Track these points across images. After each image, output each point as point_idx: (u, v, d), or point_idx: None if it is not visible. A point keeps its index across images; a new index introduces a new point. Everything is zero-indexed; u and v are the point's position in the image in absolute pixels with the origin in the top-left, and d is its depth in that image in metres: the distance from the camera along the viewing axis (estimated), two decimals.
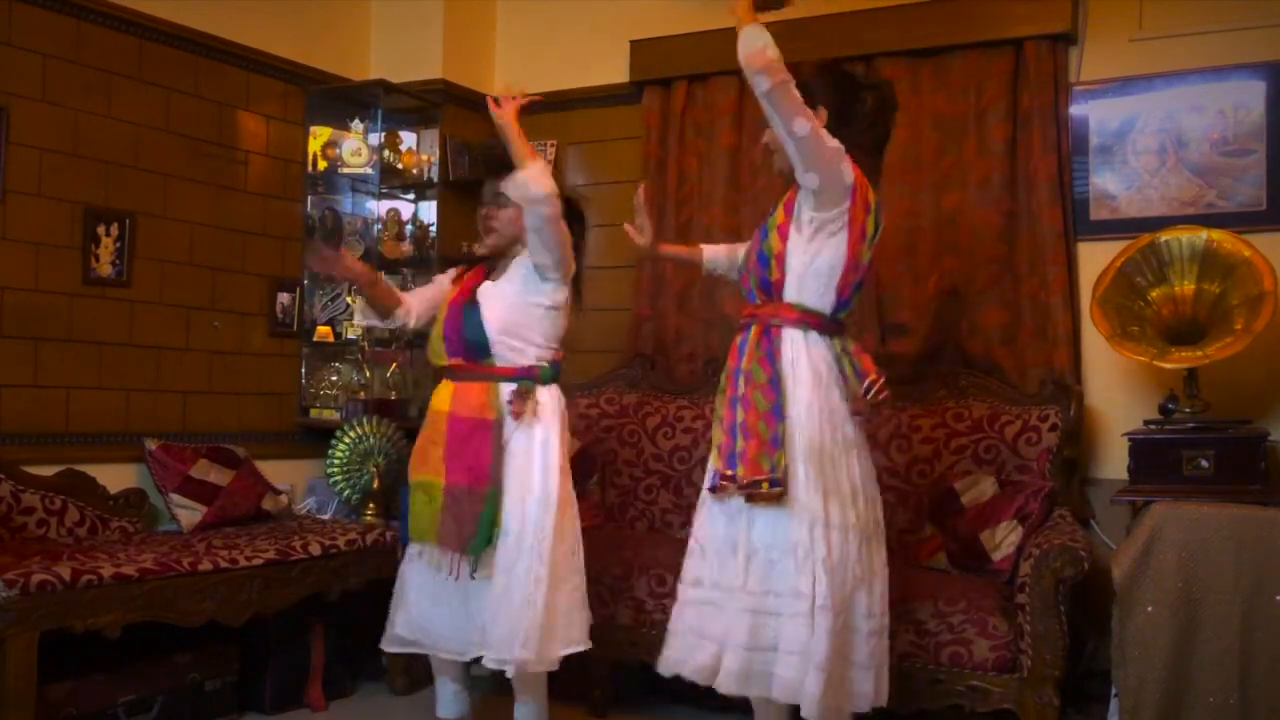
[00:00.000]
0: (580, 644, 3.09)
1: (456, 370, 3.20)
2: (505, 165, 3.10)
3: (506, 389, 3.11)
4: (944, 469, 3.80)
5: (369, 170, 4.67)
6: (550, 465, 3.10)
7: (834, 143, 2.74)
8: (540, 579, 3.01)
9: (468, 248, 4.84)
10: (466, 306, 3.19)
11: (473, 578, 3.07)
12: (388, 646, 3.30)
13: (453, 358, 3.20)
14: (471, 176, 4.87)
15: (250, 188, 4.49)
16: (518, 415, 3.08)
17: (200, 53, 4.29)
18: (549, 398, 3.16)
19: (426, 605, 3.18)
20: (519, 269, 3.20)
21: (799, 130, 2.68)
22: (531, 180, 2.95)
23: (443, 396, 3.19)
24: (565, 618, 3.05)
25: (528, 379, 3.13)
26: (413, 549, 3.25)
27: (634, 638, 3.53)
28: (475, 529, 3.03)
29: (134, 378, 4.08)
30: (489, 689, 3.78)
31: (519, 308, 3.15)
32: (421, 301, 3.42)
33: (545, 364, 3.18)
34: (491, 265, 3.32)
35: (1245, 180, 3.75)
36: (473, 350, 3.16)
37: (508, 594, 3.01)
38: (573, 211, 3.25)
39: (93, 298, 3.95)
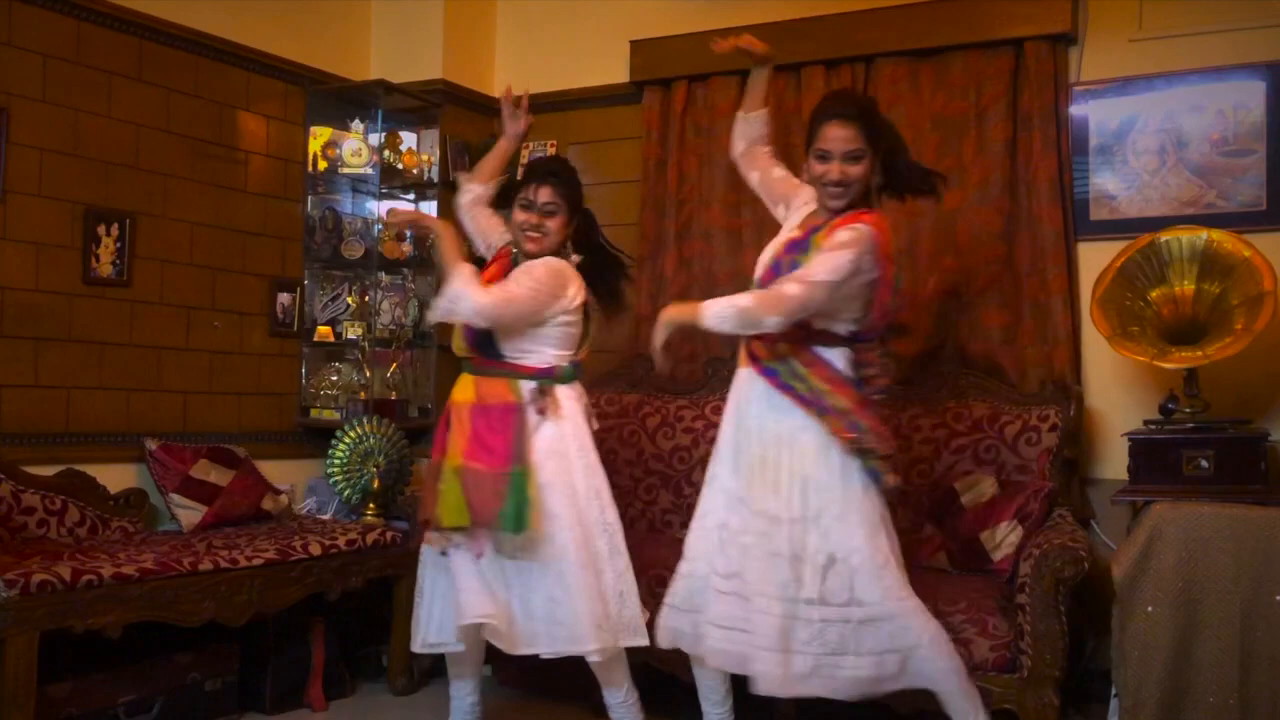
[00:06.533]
0: (612, 644, 3.10)
1: (475, 364, 3.21)
2: (553, 172, 3.22)
3: (526, 386, 3.14)
4: (944, 469, 3.80)
5: (369, 170, 4.67)
6: (589, 463, 3.18)
7: (823, 277, 2.78)
8: (596, 570, 3.09)
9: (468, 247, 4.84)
10: None
11: (513, 557, 3.08)
12: (418, 648, 3.27)
13: (471, 351, 3.22)
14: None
15: (250, 188, 4.49)
16: (543, 412, 3.12)
17: (200, 53, 4.29)
18: (569, 396, 3.20)
19: (478, 598, 3.13)
20: None
21: (785, 308, 2.76)
22: (458, 300, 2.99)
23: (465, 388, 3.20)
24: (619, 608, 3.12)
25: (546, 378, 3.16)
26: (430, 553, 3.24)
27: None
28: (501, 506, 3.03)
29: (134, 378, 4.08)
30: (500, 694, 3.78)
31: (523, 330, 3.15)
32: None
33: (565, 364, 3.20)
34: (515, 260, 3.32)
35: (1245, 180, 3.75)
36: (488, 349, 3.18)
37: (564, 584, 3.05)
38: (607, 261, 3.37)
39: (93, 298, 3.95)
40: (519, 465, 3.05)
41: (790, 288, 2.78)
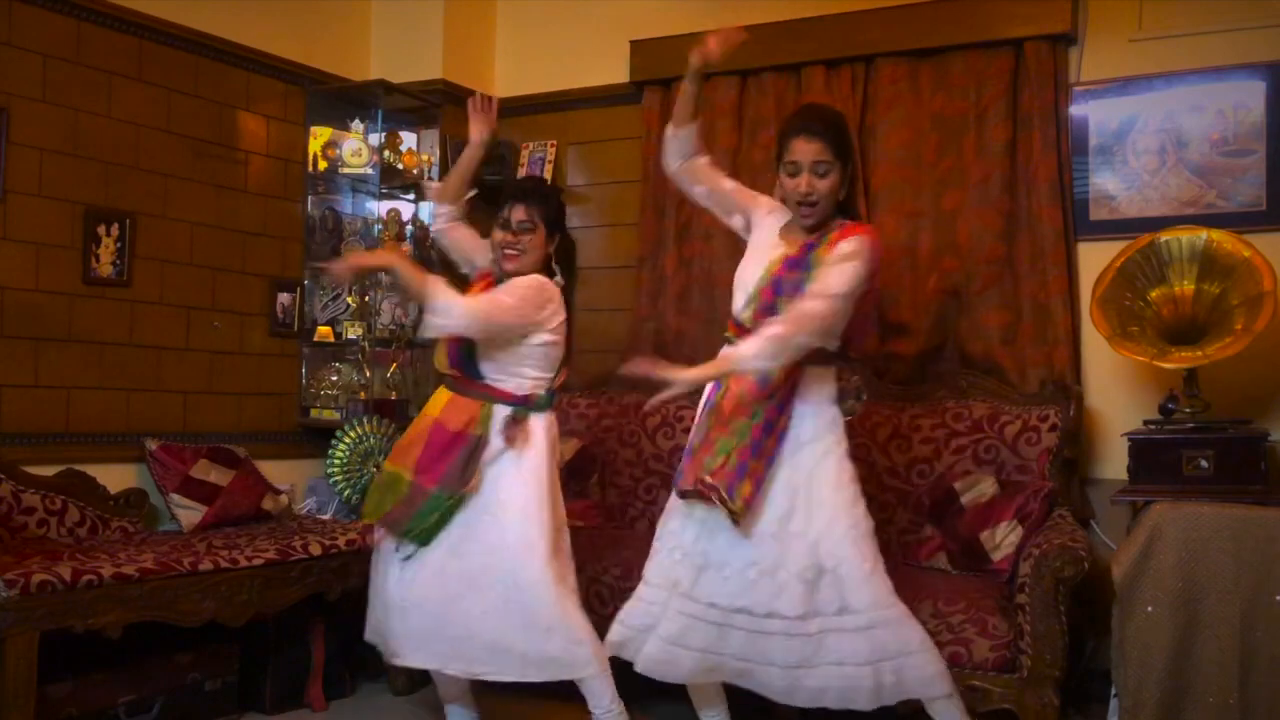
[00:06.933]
0: (579, 670, 3.12)
1: (455, 383, 3.23)
2: (527, 190, 3.25)
3: (501, 413, 3.14)
4: (944, 469, 3.80)
5: (369, 170, 4.67)
6: (542, 495, 3.14)
7: (842, 289, 2.79)
8: (542, 599, 3.06)
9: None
10: None
11: (405, 560, 3.15)
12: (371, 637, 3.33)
13: (452, 369, 3.23)
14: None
15: (250, 188, 4.49)
16: (511, 442, 3.12)
17: (200, 53, 4.29)
18: (541, 426, 3.19)
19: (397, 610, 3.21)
20: None
21: (815, 325, 2.77)
22: (449, 311, 2.97)
23: (437, 402, 3.23)
24: (568, 638, 3.10)
25: (523, 406, 3.17)
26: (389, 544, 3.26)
27: None
28: (410, 519, 3.09)
29: (134, 378, 4.08)
30: (499, 693, 3.77)
31: (505, 346, 3.16)
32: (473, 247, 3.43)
33: (542, 391, 3.21)
34: (499, 280, 3.31)
35: (1245, 180, 3.75)
36: (469, 369, 3.19)
37: (505, 612, 3.06)
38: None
39: (93, 298, 3.95)
40: (445, 490, 3.07)
41: (813, 305, 2.77)
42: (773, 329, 2.77)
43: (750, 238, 3.10)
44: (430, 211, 3.46)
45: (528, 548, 3.08)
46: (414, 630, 3.13)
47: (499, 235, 3.25)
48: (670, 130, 3.15)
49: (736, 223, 3.17)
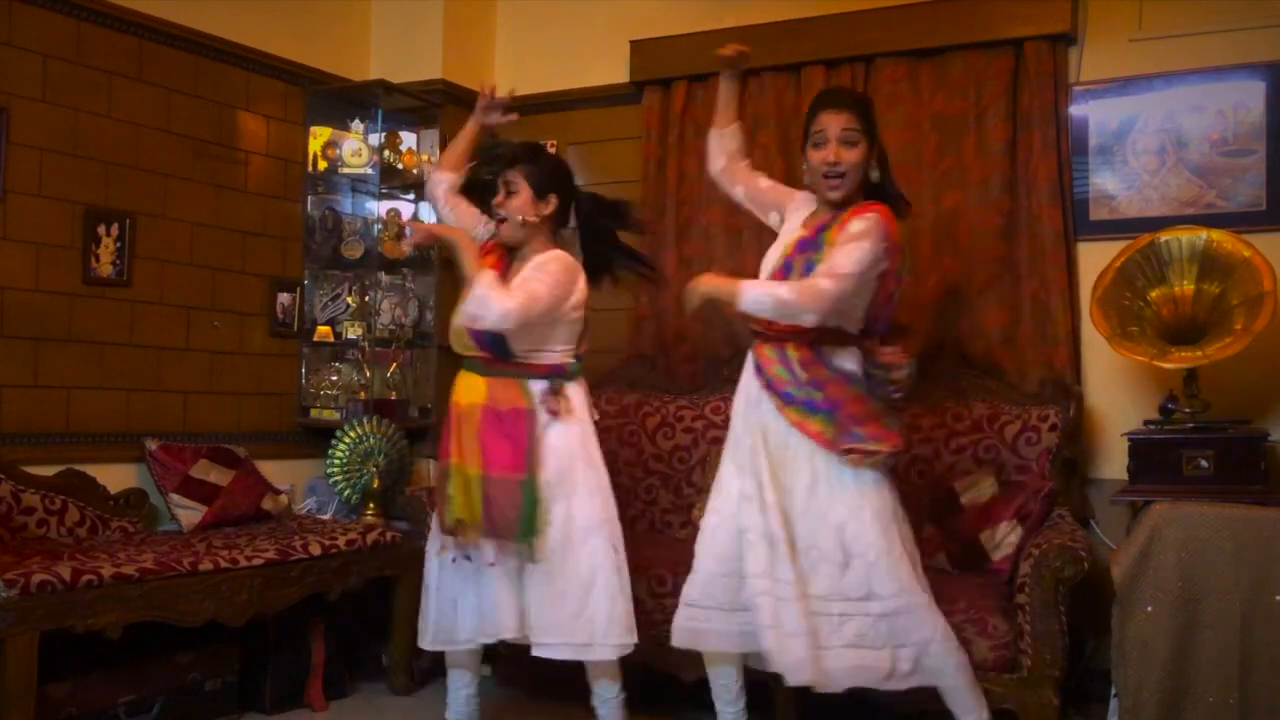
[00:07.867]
0: (630, 641, 3.08)
1: (485, 364, 3.11)
2: (518, 155, 3.18)
3: (537, 386, 3.09)
4: (944, 469, 3.80)
5: (369, 170, 4.68)
6: (592, 459, 3.14)
7: (850, 269, 2.78)
8: (597, 568, 3.03)
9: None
10: None
11: (536, 561, 3.03)
12: (432, 646, 3.19)
13: (481, 351, 3.12)
14: (472, 176, 4.88)
15: (250, 188, 4.49)
16: (554, 413, 3.07)
17: (200, 53, 4.29)
18: (578, 393, 3.16)
19: (449, 598, 3.13)
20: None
21: (822, 304, 2.77)
22: (486, 305, 2.94)
23: (472, 389, 3.09)
24: (617, 608, 3.06)
25: (558, 376, 3.11)
26: (433, 545, 3.19)
27: None
28: (518, 516, 2.99)
29: (134, 378, 4.08)
30: (500, 694, 3.78)
31: (533, 328, 3.07)
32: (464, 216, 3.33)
33: (571, 360, 3.15)
34: (509, 253, 3.23)
35: (1245, 180, 3.75)
36: (499, 350, 3.09)
37: (562, 584, 3.01)
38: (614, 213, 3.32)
39: (93, 298, 3.95)
40: (530, 474, 3.01)
41: (823, 282, 2.77)
42: (782, 289, 2.79)
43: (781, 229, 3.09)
44: (430, 179, 3.39)
45: (570, 519, 3.04)
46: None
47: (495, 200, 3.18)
48: (715, 130, 3.20)
49: (773, 220, 3.16)
